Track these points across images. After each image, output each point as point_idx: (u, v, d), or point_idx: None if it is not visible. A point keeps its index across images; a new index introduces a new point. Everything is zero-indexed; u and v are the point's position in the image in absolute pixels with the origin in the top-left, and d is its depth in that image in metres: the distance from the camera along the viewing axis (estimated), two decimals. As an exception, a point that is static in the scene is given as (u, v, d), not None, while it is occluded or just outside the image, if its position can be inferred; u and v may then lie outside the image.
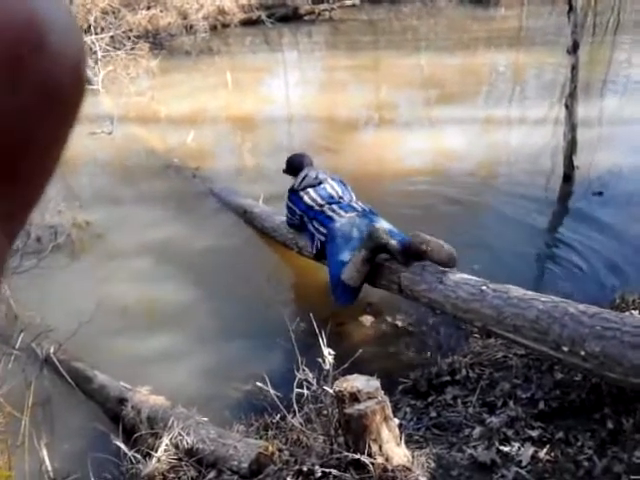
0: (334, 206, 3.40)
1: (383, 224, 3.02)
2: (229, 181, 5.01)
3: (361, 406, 1.97)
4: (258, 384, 2.73)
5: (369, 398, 1.99)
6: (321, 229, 3.36)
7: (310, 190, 3.53)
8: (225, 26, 12.35)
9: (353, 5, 13.31)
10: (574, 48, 4.28)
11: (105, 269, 4.02)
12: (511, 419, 2.24)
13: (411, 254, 2.97)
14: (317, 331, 2.49)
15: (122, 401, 2.73)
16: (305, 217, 3.49)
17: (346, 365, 2.37)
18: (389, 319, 3.27)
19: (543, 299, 2.36)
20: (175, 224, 4.39)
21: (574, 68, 4.32)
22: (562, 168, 4.59)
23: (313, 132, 6.67)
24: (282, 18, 12.84)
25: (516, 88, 7.79)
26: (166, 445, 2.28)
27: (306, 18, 13.03)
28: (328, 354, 2.19)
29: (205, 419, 2.54)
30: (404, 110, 7.24)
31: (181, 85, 8.56)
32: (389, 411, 2.02)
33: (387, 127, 6.67)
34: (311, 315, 3.42)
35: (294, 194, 3.57)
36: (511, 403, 2.33)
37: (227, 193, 4.69)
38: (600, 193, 4.31)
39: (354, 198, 3.55)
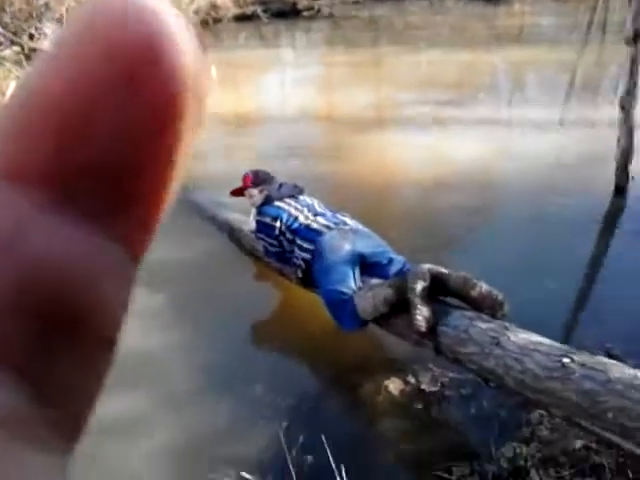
0: (320, 218, 2.73)
1: (424, 265, 2.24)
2: (216, 190, 4.19)
3: None
4: (244, 475, 2.04)
5: None
6: (305, 245, 2.65)
7: (290, 200, 2.86)
8: (217, 21, 11.57)
9: (356, 1, 12.54)
10: (635, 38, 3.50)
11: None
12: None
13: (448, 293, 2.25)
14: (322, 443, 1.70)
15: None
16: (286, 234, 2.75)
17: None
18: (419, 383, 2.47)
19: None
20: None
21: (634, 62, 3.55)
22: (613, 179, 3.84)
23: (311, 135, 5.94)
24: (279, 14, 12.07)
25: (541, 87, 7.03)
26: None
27: (305, 14, 12.25)
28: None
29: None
30: (411, 111, 6.45)
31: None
32: None
33: (392, 129, 5.91)
34: (316, 373, 2.68)
35: (269, 205, 2.84)
36: None
37: (212, 205, 3.90)
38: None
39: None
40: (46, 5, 9.93)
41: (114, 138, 0.13)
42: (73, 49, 0.13)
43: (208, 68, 0.14)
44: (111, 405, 2.39)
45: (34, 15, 9.93)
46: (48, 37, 9.08)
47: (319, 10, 12.44)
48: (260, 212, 2.89)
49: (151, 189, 0.14)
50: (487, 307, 2.16)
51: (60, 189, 0.13)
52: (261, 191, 2.91)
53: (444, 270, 2.27)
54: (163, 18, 0.13)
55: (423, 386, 2.46)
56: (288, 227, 2.74)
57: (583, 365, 1.76)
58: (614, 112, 3.82)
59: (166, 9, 0.13)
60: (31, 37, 9.27)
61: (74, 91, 0.13)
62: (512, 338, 1.98)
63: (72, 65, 0.13)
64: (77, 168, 0.13)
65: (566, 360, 1.80)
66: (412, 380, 2.50)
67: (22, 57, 8.39)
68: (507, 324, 2.08)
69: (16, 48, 8.85)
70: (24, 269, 0.12)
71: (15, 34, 9.22)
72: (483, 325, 2.08)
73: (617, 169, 3.80)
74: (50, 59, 0.13)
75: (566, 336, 2.66)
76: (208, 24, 11.40)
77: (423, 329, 2.11)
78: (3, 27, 9.18)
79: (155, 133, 0.13)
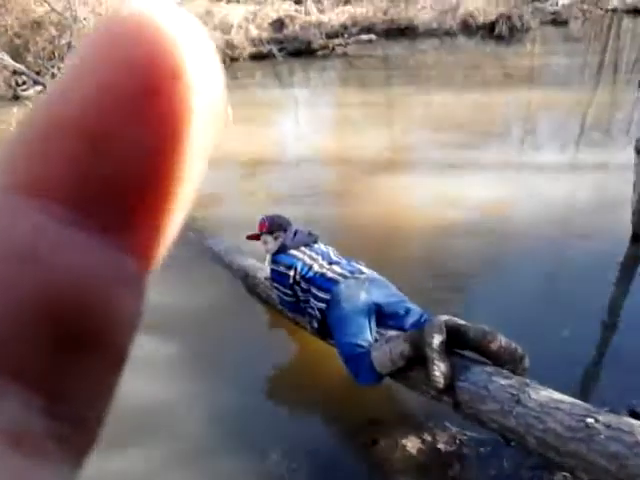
0: (335, 266, 2.69)
1: (441, 317, 2.22)
2: (230, 234, 4.21)
3: None
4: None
5: None
6: (321, 294, 2.60)
7: (305, 249, 2.82)
8: (234, 60, 11.82)
9: (369, 41, 12.76)
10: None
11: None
12: None
13: (466, 346, 2.22)
14: None
15: None
16: (301, 283, 2.71)
17: None
18: (435, 441, 2.42)
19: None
20: (158, 290, 3.60)
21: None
22: (630, 226, 3.82)
23: (323, 177, 5.93)
24: (294, 52, 12.30)
25: (553, 129, 7.04)
26: None
27: (319, 53, 12.47)
28: None
29: None
30: (424, 153, 6.47)
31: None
32: None
33: (404, 172, 5.86)
34: (330, 427, 2.63)
35: (284, 254, 2.82)
36: None
37: (227, 251, 3.91)
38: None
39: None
40: (69, 45, 10.20)
41: (130, 153, 0.13)
42: (90, 65, 0.13)
43: (225, 89, 0.14)
44: (119, 458, 2.37)
45: (57, 55, 10.21)
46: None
47: (333, 49, 12.66)
48: (274, 260, 2.87)
49: (164, 203, 0.14)
50: (507, 362, 2.13)
51: (76, 203, 0.13)
52: (276, 238, 2.90)
53: (462, 322, 2.24)
54: (181, 33, 0.13)
55: (440, 445, 2.41)
56: (302, 276, 2.71)
57: (608, 426, 1.72)
58: (627, 154, 3.82)
59: (183, 23, 0.13)
60: (53, 77, 9.48)
61: (91, 107, 0.13)
62: (533, 395, 1.95)
63: (89, 81, 0.13)
64: (93, 183, 0.13)
65: (590, 420, 1.76)
66: (429, 438, 2.45)
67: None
68: (527, 380, 2.04)
69: (39, 88, 9.08)
70: (40, 281, 0.12)
71: (38, 73, 9.47)
72: (503, 381, 2.05)
73: (634, 215, 3.78)
74: (67, 75, 0.13)
75: (584, 389, 2.62)
76: (225, 62, 11.65)
77: (440, 386, 2.08)
78: (26, 67, 9.44)
79: (170, 148, 0.13)
